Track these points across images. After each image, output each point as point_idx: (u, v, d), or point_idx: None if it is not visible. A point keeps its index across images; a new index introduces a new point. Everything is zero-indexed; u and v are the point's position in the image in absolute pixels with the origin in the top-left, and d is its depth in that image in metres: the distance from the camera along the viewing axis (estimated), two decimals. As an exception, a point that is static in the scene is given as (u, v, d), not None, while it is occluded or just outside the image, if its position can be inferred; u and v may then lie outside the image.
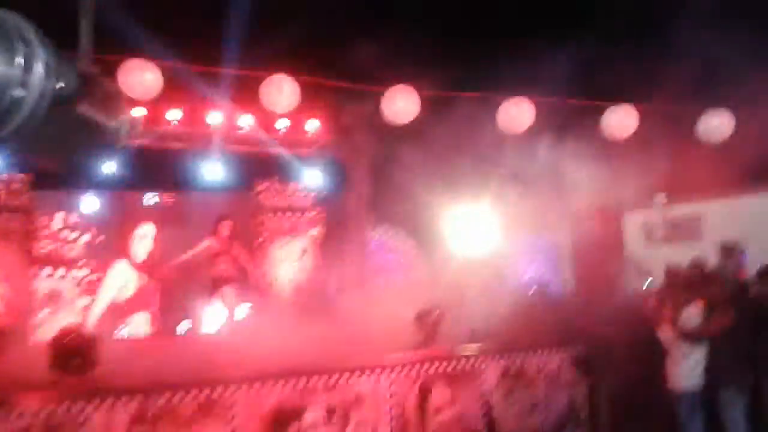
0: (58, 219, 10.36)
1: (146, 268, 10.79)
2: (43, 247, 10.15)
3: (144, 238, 10.85)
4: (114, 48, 7.29)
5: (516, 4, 10.49)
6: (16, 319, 9.39)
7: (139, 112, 10.05)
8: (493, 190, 10.51)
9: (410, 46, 10.18)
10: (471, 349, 7.08)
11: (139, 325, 10.65)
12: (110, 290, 10.53)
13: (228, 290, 9.12)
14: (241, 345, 7.22)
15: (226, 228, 9.54)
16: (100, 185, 10.16)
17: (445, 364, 6.71)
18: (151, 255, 10.84)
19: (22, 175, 9.66)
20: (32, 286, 9.89)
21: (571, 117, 9.40)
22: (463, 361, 6.84)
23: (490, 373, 6.99)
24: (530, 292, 8.97)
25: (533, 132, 8.95)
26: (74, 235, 10.46)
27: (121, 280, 10.64)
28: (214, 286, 9.38)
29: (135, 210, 10.99)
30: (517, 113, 8.68)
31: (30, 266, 9.88)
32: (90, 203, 10.56)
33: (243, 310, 10.66)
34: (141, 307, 10.69)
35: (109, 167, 9.81)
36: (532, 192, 9.38)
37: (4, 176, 9.54)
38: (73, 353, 5.67)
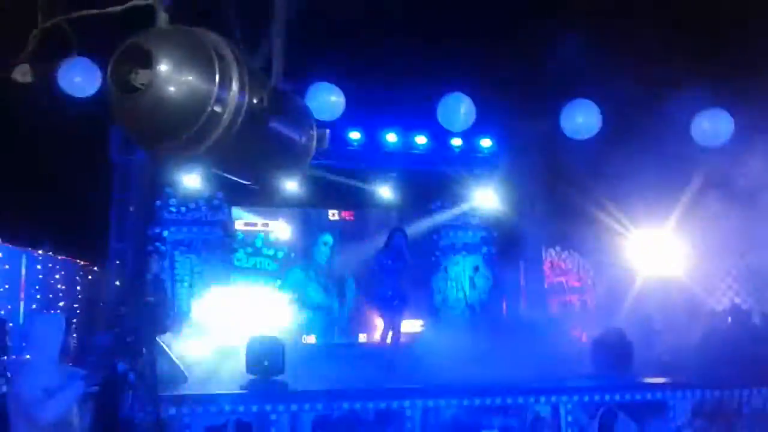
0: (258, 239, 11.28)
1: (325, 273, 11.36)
2: (239, 259, 11.05)
3: (325, 246, 11.44)
4: (301, 71, 7.85)
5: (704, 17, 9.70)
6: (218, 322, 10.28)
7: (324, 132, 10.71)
8: (684, 208, 9.71)
9: (590, 59, 9.79)
10: (660, 380, 6.54)
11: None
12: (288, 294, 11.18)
13: (399, 305, 9.09)
14: (418, 359, 7.30)
15: (401, 240, 9.47)
16: (289, 203, 10.86)
17: (629, 394, 6.26)
18: (328, 263, 11.40)
19: (221, 192, 10.59)
20: (230, 292, 10.77)
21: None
22: (650, 393, 6.34)
23: (681, 409, 6.40)
24: (729, 321, 8.10)
25: (730, 145, 8.13)
26: (271, 250, 11.31)
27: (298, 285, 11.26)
28: (383, 300, 9.35)
29: (319, 226, 11.63)
30: (712, 125, 7.94)
31: (228, 274, 10.77)
32: (282, 222, 11.36)
33: (413, 325, 10.81)
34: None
35: (294, 186, 10.45)
36: (730, 210, 8.51)
37: (207, 193, 10.51)
38: (265, 357, 6.08)
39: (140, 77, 1.49)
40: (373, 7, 10.29)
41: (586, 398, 6.13)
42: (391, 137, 11.13)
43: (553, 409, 6.05)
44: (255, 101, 1.64)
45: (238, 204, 10.92)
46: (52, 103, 6.97)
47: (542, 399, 6.02)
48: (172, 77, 1.49)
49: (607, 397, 6.22)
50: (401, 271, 8.06)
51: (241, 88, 1.59)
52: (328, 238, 11.42)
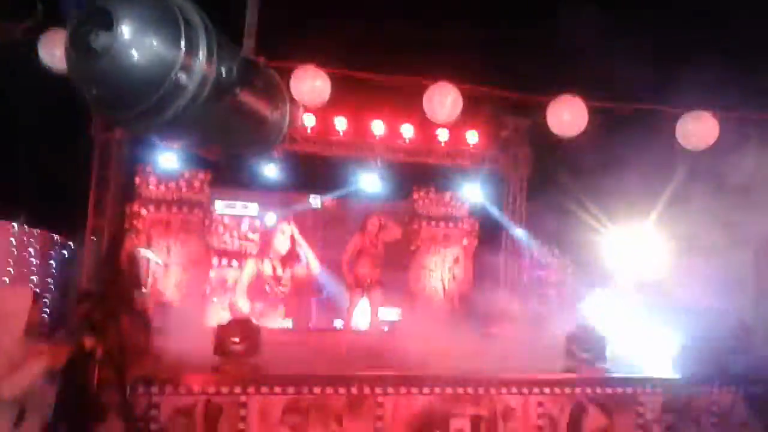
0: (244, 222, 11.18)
1: (287, 261, 11.27)
2: (221, 240, 10.98)
3: (284, 234, 11.35)
4: (285, 55, 7.76)
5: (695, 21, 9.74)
6: (191, 304, 10.21)
7: (308, 119, 10.68)
8: (664, 209, 9.78)
9: (577, 55, 9.79)
10: (630, 375, 6.60)
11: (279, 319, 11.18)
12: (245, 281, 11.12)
13: (375, 291, 8.93)
14: (391, 347, 7.29)
15: (374, 225, 9.13)
16: (268, 186, 10.78)
17: (601, 388, 6.31)
18: (290, 252, 11.33)
19: (202, 172, 10.48)
20: (207, 275, 10.71)
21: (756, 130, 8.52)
22: (620, 387, 6.40)
23: (651, 404, 6.46)
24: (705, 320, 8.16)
25: (715, 147, 8.17)
26: (244, 231, 11.23)
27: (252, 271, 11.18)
28: (358, 285, 9.05)
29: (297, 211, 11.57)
30: (697, 128, 7.96)
31: (206, 257, 10.70)
32: (258, 204, 11.27)
33: (390, 313, 10.81)
34: (282, 301, 11.20)
35: (273, 170, 10.39)
36: (710, 211, 8.56)
37: (186, 173, 10.41)
38: (237, 340, 6.04)
39: (100, 39, 1.43)
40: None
41: (557, 390, 6.17)
42: (377, 126, 11.10)
43: (524, 401, 6.08)
44: (223, 72, 1.58)
45: (219, 185, 10.82)
46: (30, 74, 6.83)
47: (513, 390, 6.05)
48: (134, 41, 1.43)
49: (577, 390, 6.26)
50: (376, 256, 7.93)
51: (209, 57, 1.52)
52: (286, 228, 11.32)
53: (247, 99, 1.73)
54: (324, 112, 10.36)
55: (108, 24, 1.41)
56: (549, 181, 11.70)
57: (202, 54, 1.50)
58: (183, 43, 1.47)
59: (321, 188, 11.59)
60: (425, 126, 10.81)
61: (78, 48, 1.45)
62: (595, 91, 8.50)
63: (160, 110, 1.48)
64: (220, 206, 11.05)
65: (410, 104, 9.07)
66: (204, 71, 1.50)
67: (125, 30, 1.41)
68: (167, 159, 10.15)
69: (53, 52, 6.88)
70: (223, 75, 1.56)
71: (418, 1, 9.92)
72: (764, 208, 7.84)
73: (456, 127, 11.15)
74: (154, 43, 1.44)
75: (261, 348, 6.01)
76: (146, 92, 1.45)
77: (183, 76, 1.47)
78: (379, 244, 8.57)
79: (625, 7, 10.45)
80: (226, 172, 10.02)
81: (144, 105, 1.46)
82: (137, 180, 10.22)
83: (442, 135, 11.39)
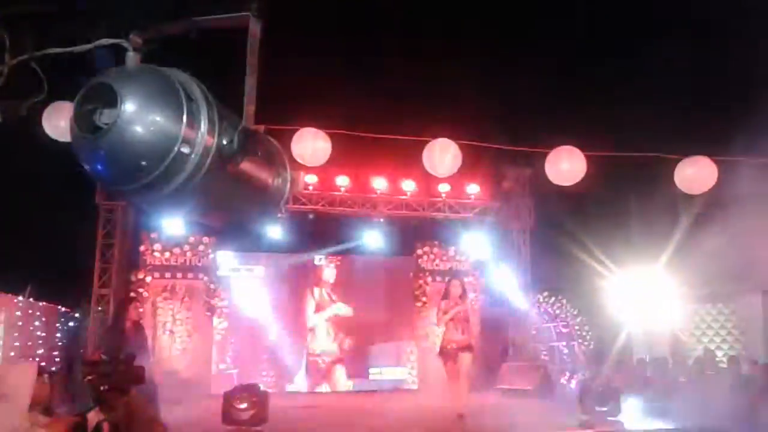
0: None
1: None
2: (224, 305, 10.90)
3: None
4: (286, 119, 7.89)
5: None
6: (197, 370, 10.07)
7: (311, 179, 10.78)
8: (668, 256, 9.74)
9: (575, 108, 9.95)
10: (649, 426, 6.42)
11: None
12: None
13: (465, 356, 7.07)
14: (402, 408, 7.12)
15: (457, 288, 7.57)
16: (273, 248, 10.79)
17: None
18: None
19: (206, 237, 10.51)
20: (212, 340, 10.59)
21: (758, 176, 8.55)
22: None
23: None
24: (720, 367, 8.01)
25: (716, 192, 8.18)
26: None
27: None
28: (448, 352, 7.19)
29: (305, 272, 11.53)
30: (696, 173, 7.98)
31: (211, 321, 10.60)
32: (264, 267, 11.26)
33: (396, 373, 10.62)
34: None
35: (277, 231, 10.42)
36: (715, 257, 8.51)
37: (192, 238, 10.44)
38: (245, 407, 5.92)
39: (104, 116, 1.45)
40: (359, 51, 10.48)
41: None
42: (379, 183, 11.19)
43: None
44: (225, 142, 1.59)
45: (224, 248, 10.82)
46: (33, 147, 6.93)
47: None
48: (137, 116, 1.45)
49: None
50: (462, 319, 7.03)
51: (210, 129, 1.54)
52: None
53: (249, 168, 1.74)
54: (326, 172, 10.48)
55: (112, 101, 1.44)
56: (553, 231, 11.71)
57: (204, 126, 1.52)
58: (185, 117, 1.49)
59: (325, 247, 11.58)
60: (426, 180, 10.91)
61: (82, 125, 1.48)
62: (593, 141, 8.57)
63: (164, 183, 1.49)
64: (225, 270, 11.01)
65: (411, 160, 9.15)
66: (206, 143, 1.52)
67: (129, 106, 1.44)
68: (172, 225, 10.19)
69: (57, 123, 7.01)
70: (225, 145, 1.57)
71: (414, 59, 10.13)
72: None
73: (457, 180, 11.25)
74: (158, 118, 1.46)
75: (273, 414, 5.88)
76: (150, 166, 1.46)
77: (186, 149, 1.49)
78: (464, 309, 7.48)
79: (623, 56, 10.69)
80: (231, 236, 10.05)
81: (148, 178, 1.47)
82: (142, 248, 10.25)
83: (443, 189, 11.47)
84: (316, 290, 11.49)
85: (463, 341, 6.71)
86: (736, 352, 9.45)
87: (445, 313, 6.82)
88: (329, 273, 11.57)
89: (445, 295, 6.99)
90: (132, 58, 1.62)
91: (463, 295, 6.87)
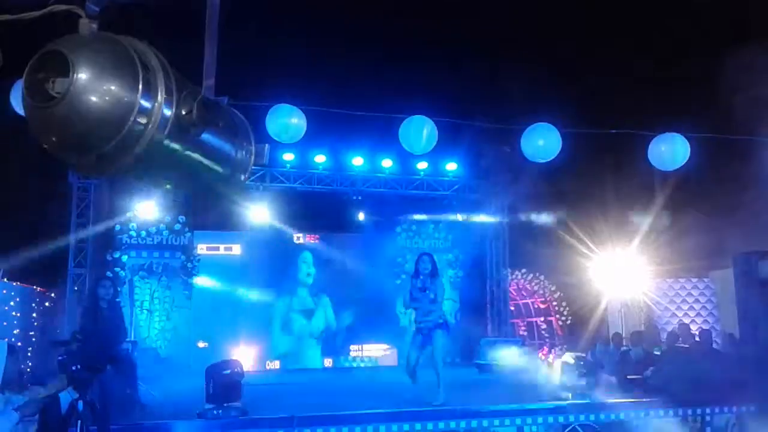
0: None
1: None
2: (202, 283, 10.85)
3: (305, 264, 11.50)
4: (261, 95, 7.81)
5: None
6: (176, 348, 10.06)
7: (288, 157, 10.71)
8: (641, 231, 9.86)
9: (549, 84, 9.97)
10: (623, 400, 6.54)
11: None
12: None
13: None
14: (383, 383, 7.16)
15: (426, 263, 7.03)
16: (251, 227, 10.74)
17: (593, 414, 6.24)
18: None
19: (183, 217, 10.42)
20: (191, 317, 10.55)
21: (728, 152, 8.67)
22: (613, 413, 6.33)
23: (645, 429, 6.39)
24: (694, 340, 8.15)
25: (688, 168, 8.27)
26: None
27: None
28: None
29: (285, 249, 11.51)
30: (669, 149, 8.06)
31: (189, 299, 10.56)
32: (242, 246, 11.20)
33: (378, 349, 10.67)
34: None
35: (255, 210, 10.36)
36: (685, 232, 8.64)
37: (168, 218, 10.34)
38: (223, 384, 5.91)
39: (57, 85, 1.41)
40: (337, 29, 10.40)
41: (551, 419, 6.09)
42: (357, 161, 11.17)
43: (518, 431, 6.00)
44: (183, 113, 1.56)
45: (200, 228, 10.74)
46: (1, 124, 6.78)
47: (507, 421, 5.96)
48: (91, 86, 1.41)
49: (571, 418, 6.18)
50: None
51: (168, 99, 1.50)
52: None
53: (209, 139, 1.71)
54: (303, 149, 10.42)
55: (65, 70, 1.40)
56: (531, 207, 11.79)
57: (161, 96, 1.48)
58: (141, 86, 1.45)
59: (304, 225, 11.54)
60: (405, 158, 10.91)
61: (34, 94, 1.44)
62: (572, 118, 8.61)
63: (121, 153, 1.46)
64: (202, 249, 10.94)
65: (389, 138, 9.13)
66: (163, 113, 1.49)
67: (82, 75, 1.40)
68: (147, 204, 10.08)
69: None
70: (183, 115, 1.54)
71: (393, 36, 10.07)
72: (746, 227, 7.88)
73: (436, 158, 11.27)
74: (112, 87, 1.42)
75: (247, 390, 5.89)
76: (105, 136, 1.43)
77: (142, 119, 1.46)
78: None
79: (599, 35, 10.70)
80: (208, 214, 9.98)
81: (104, 149, 1.44)
82: (117, 227, 10.13)
83: (422, 166, 11.48)
84: (295, 267, 11.49)
85: (436, 320, 6.49)
86: (709, 326, 9.64)
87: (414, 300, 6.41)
88: (308, 250, 11.56)
89: (415, 274, 6.64)
90: (86, 25, 1.57)
91: (433, 271, 6.50)
